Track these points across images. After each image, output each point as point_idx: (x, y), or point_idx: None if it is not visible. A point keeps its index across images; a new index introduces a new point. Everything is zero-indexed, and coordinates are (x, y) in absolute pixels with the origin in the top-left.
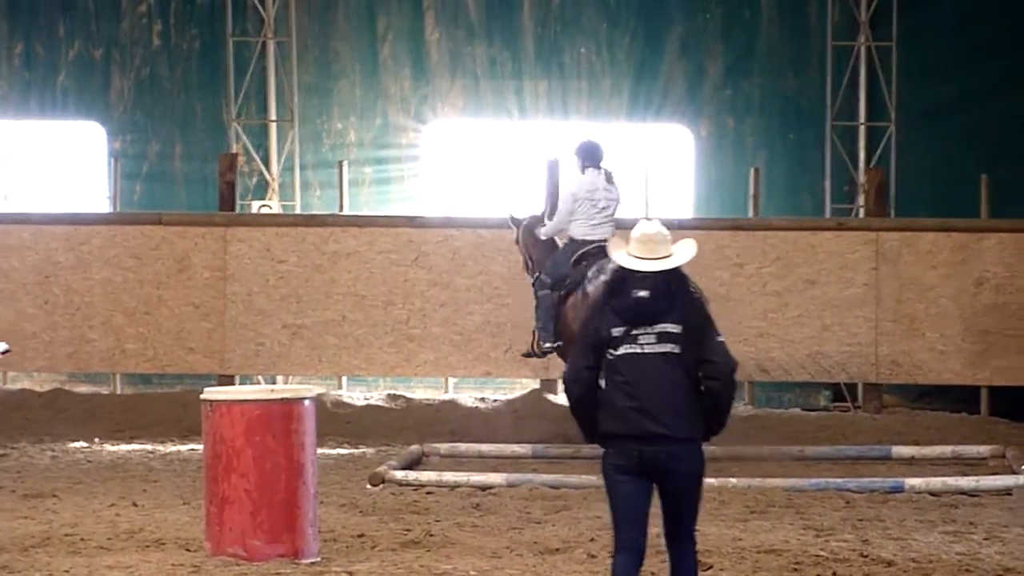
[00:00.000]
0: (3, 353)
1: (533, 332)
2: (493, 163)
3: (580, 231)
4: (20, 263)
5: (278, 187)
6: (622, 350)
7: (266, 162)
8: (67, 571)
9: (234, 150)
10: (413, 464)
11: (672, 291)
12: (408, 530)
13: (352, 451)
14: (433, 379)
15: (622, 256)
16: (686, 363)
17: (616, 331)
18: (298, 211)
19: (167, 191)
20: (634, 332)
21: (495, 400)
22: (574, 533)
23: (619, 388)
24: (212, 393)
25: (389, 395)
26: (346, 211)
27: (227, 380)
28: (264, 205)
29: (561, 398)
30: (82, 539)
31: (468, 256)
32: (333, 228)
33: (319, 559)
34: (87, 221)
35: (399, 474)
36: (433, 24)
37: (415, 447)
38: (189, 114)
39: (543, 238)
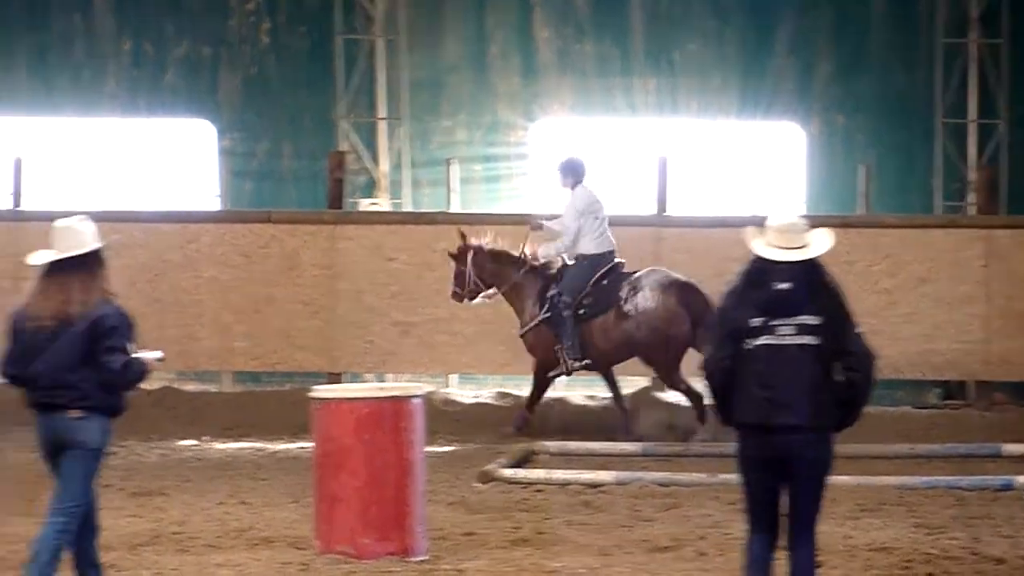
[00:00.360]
0: (159, 360)
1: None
2: (602, 160)
3: (591, 246)
4: (131, 261)
5: (387, 185)
6: (760, 341)
7: (375, 160)
8: (175, 569)
9: (343, 148)
10: (522, 462)
11: (811, 282)
12: (517, 528)
13: (461, 449)
14: None
15: (760, 246)
16: (823, 354)
17: (755, 322)
18: (407, 209)
19: (276, 189)
20: (772, 323)
21: (605, 398)
22: (684, 531)
23: (755, 378)
24: (321, 391)
25: (498, 393)
26: (455, 209)
27: (336, 378)
28: (373, 203)
29: (670, 395)
30: (191, 537)
31: None
32: (442, 226)
33: (428, 557)
34: (197, 219)
35: (508, 472)
36: (542, 21)
37: (524, 445)
38: (298, 112)
39: (545, 258)
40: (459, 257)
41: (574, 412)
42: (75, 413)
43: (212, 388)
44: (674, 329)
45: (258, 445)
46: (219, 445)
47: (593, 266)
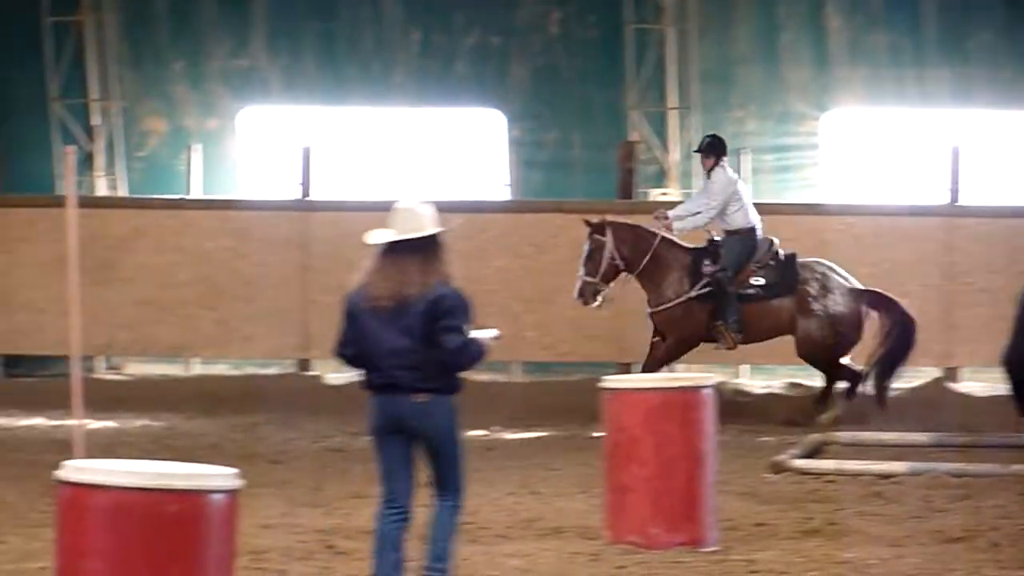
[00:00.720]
0: (495, 339)
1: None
2: (894, 151)
3: (741, 220)
4: None
5: (677, 175)
6: None
7: (665, 149)
8: (465, 559)
9: (633, 138)
10: (814, 452)
11: None
12: (809, 519)
13: (752, 439)
14: None
15: None
16: None
17: None
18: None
19: (566, 179)
20: None
21: (898, 388)
22: (976, 522)
23: None
24: (612, 381)
25: (789, 383)
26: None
27: (626, 368)
28: (663, 193)
29: (963, 387)
30: (480, 527)
31: (870, 244)
32: None
33: (718, 548)
34: (486, 209)
35: (800, 462)
36: (833, 11)
37: (815, 435)
38: (587, 102)
39: (681, 231)
40: (599, 229)
41: (866, 403)
42: (420, 396)
43: (501, 378)
44: (854, 337)
45: (547, 435)
46: (508, 435)
47: (749, 241)
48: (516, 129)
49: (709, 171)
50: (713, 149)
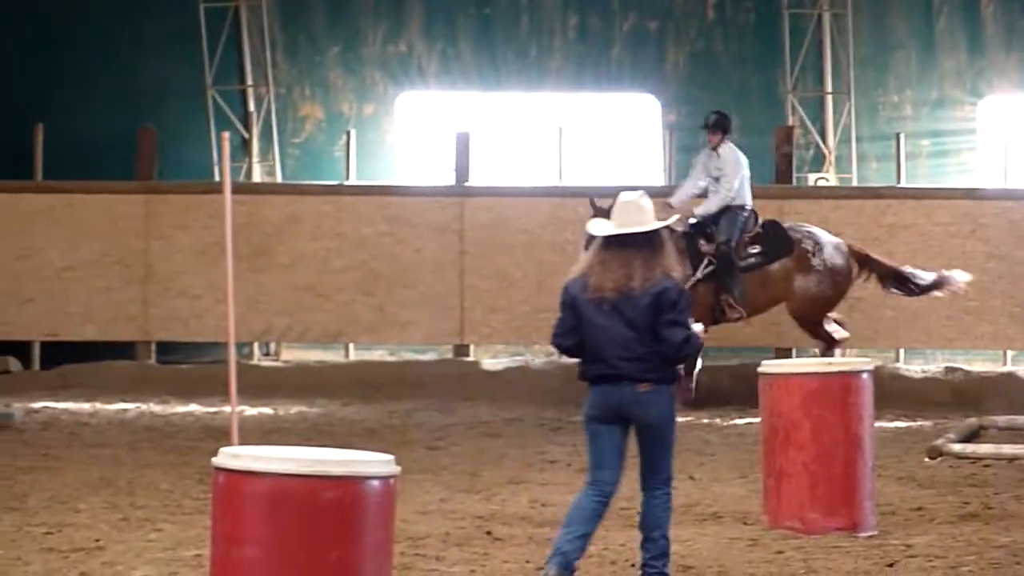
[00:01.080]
0: (703, 332)
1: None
2: None
3: (748, 197)
4: (577, 237)
5: (834, 159)
6: None
7: (822, 135)
8: (623, 545)
9: (790, 123)
10: (971, 437)
11: None
12: (966, 503)
13: (909, 424)
14: (991, 351)
15: None
16: None
17: None
18: (855, 184)
19: None
20: None
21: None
22: None
23: None
24: (770, 366)
25: (946, 368)
26: (903, 183)
27: (784, 353)
28: (821, 177)
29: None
30: (638, 514)
31: None
32: (890, 200)
33: (876, 532)
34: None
35: (956, 447)
36: None
37: (972, 420)
38: (744, 87)
39: (702, 216)
40: (600, 212)
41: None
42: (644, 386)
43: None
44: (847, 288)
45: (706, 420)
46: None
47: (743, 213)
48: (672, 114)
49: (715, 147)
50: (719, 125)
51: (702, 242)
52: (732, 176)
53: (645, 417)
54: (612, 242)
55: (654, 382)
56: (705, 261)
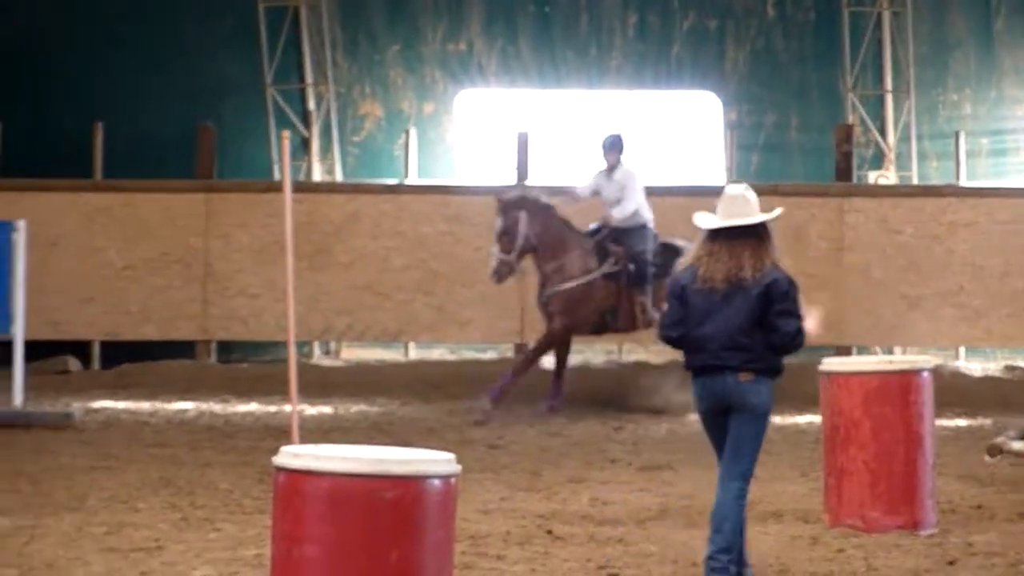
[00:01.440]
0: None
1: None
2: None
3: (649, 215)
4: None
5: (894, 158)
6: None
7: (882, 133)
8: (683, 543)
9: (850, 121)
10: None
11: None
12: None
13: (970, 422)
14: None
15: None
16: None
17: None
18: (915, 182)
19: (783, 162)
20: None
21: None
22: None
23: None
24: (830, 364)
25: (1006, 366)
26: (963, 182)
27: (844, 351)
28: (881, 176)
29: None
30: (699, 512)
31: None
32: (950, 199)
33: (937, 530)
34: (703, 193)
35: (1016, 445)
36: None
37: None
38: (804, 85)
39: (620, 223)
40: (510, 207)
41: None
42: (746, 376)
43: None
44: None
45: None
46: None
47: (652, 231)
48: (732, 112)
49: (612, 168)
50: (616, 147)
51: (612, 245)
52: (635, 194)
53: (741, 407)
54: (719, 234)
55: (756, 373)
56: (612, 259)
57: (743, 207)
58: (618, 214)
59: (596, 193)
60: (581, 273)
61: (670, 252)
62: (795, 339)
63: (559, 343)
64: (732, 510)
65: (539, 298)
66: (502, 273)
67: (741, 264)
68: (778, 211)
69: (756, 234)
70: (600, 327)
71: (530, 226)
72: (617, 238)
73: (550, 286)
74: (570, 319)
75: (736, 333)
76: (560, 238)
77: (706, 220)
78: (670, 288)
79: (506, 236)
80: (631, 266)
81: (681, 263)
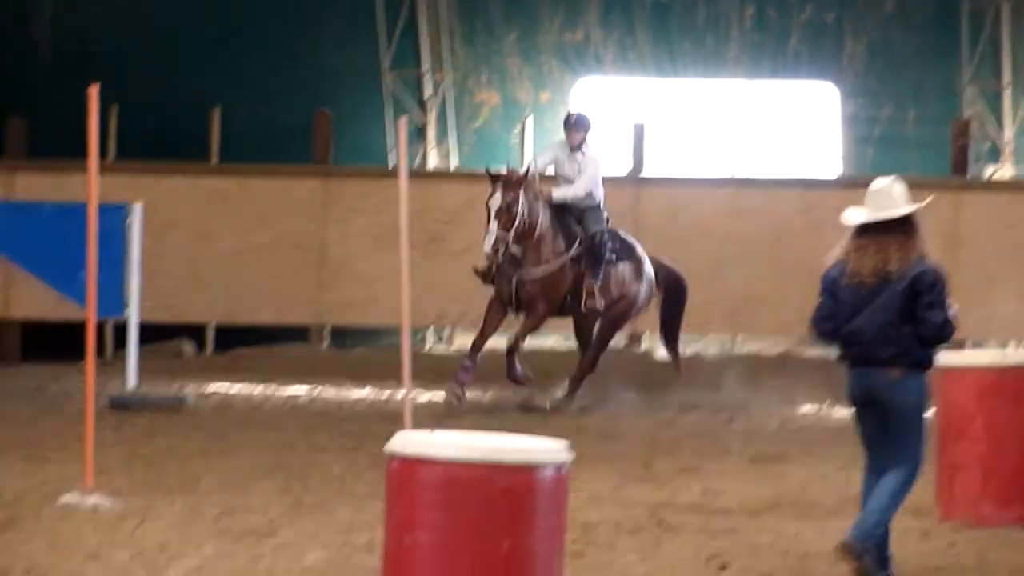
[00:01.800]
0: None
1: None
2: None
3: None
4: (752, 227)
5: (1011, 152)
6: None
7: (999, 127)
8: (796, 535)
9: (967, 115)
10: None
11: None
12: None
13: None
14: None
15: None
16: None
17: None
18: None
19: (899, 155)
20: None
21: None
22: None
23: None
24: (943, 359)
25: None
26: None
27: (958, 345)
28: (997, 170)
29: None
30: (811, 504)
31: None
32: None
33: None
34: (819, 186)
35: None
36: None
37: None
38: (922, 78)
39: (559, 202)
40: (511, 184)
41: None
42: (896, 373)
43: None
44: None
45: None
46: (839, 410)
47: (606, 213)
48: (850, 105)
49: (577, 146)
50: (582, 125)
51: (575, 225)
52: (590, 181)
53: (893, 402)
54: (867, 228)
55: (906, 367)
56: (577, 241)
57: (890, 200)
58: (563, 193)
59: (550, 165)
60: (554, 256)
61: (619, 241)
62: (943, 330)
63: (533, 330)
64: (881, 495)
65: (500, 276)
66: (499, 250)
67: (888, 258)
68: (927, 200)
69: (903, 227)
70: (561, 310)
71: (527, 205)
72: (579, 218)
73: (526, 267)
74: (546, 304)
75: (885, 327)
76: (539, 219)
77: (854, 215)
78: (821, 283)
79: (506, 213)
80: (581, 246)
81: (831, 257)
